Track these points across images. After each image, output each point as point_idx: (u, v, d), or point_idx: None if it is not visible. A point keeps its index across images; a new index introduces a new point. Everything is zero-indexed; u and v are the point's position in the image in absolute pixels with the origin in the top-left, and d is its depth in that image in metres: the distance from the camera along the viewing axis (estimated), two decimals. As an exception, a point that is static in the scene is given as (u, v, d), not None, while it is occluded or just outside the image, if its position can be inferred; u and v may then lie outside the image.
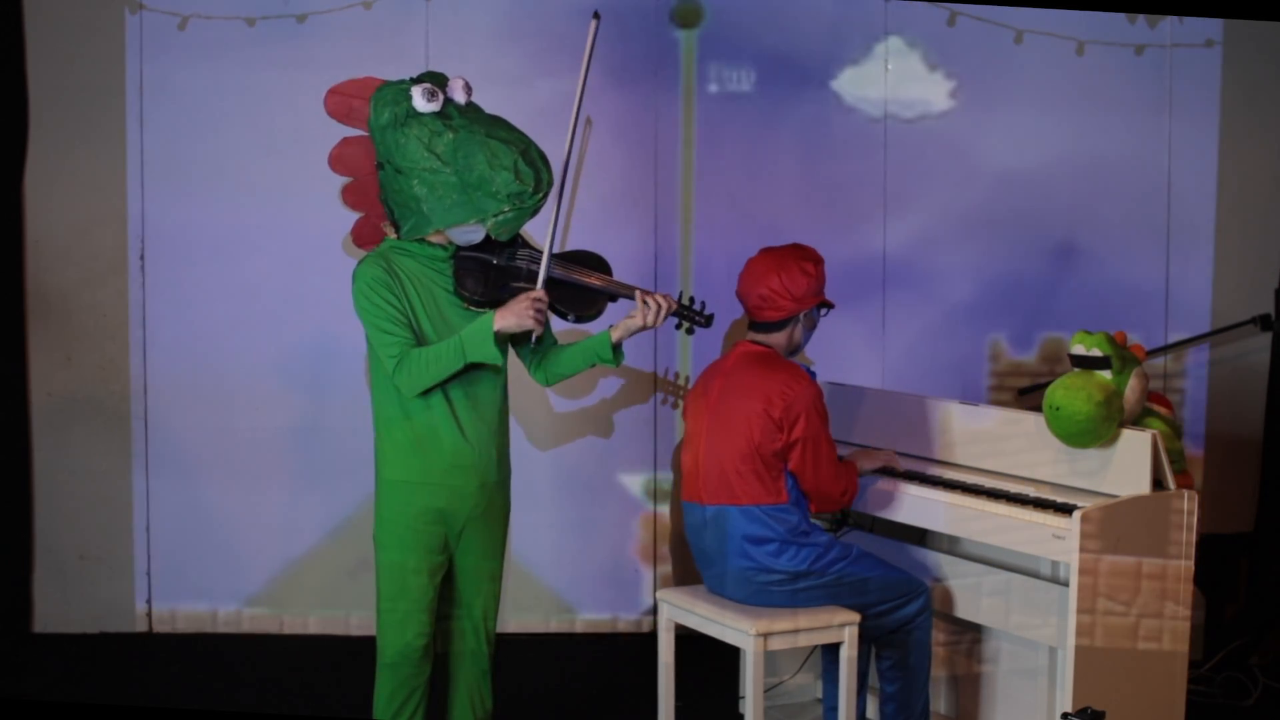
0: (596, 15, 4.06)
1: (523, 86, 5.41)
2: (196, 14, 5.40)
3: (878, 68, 5.54)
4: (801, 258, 4.21)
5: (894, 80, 5.54)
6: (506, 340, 3.91)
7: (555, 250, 4.00)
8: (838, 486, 4.16)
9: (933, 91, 5.54)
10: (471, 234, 3.91)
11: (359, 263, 3.93)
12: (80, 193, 5.47)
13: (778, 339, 4.25)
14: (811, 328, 4.31)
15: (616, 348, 4.08)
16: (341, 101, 3.94)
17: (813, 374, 4.21)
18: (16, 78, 5.41)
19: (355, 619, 5.55)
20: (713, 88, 5.51)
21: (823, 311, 4.32)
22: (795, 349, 4.29)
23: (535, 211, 3.88)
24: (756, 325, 4.27)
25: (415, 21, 5.44)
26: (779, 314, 4.21)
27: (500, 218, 3.84)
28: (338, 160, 3.99)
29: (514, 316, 3.84)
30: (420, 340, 3.87)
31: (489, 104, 3.96)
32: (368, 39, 5.42)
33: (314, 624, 5.57)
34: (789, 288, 4.18)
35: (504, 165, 3.78)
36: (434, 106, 3.84)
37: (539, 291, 3.90)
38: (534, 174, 3.81)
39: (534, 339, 3.95)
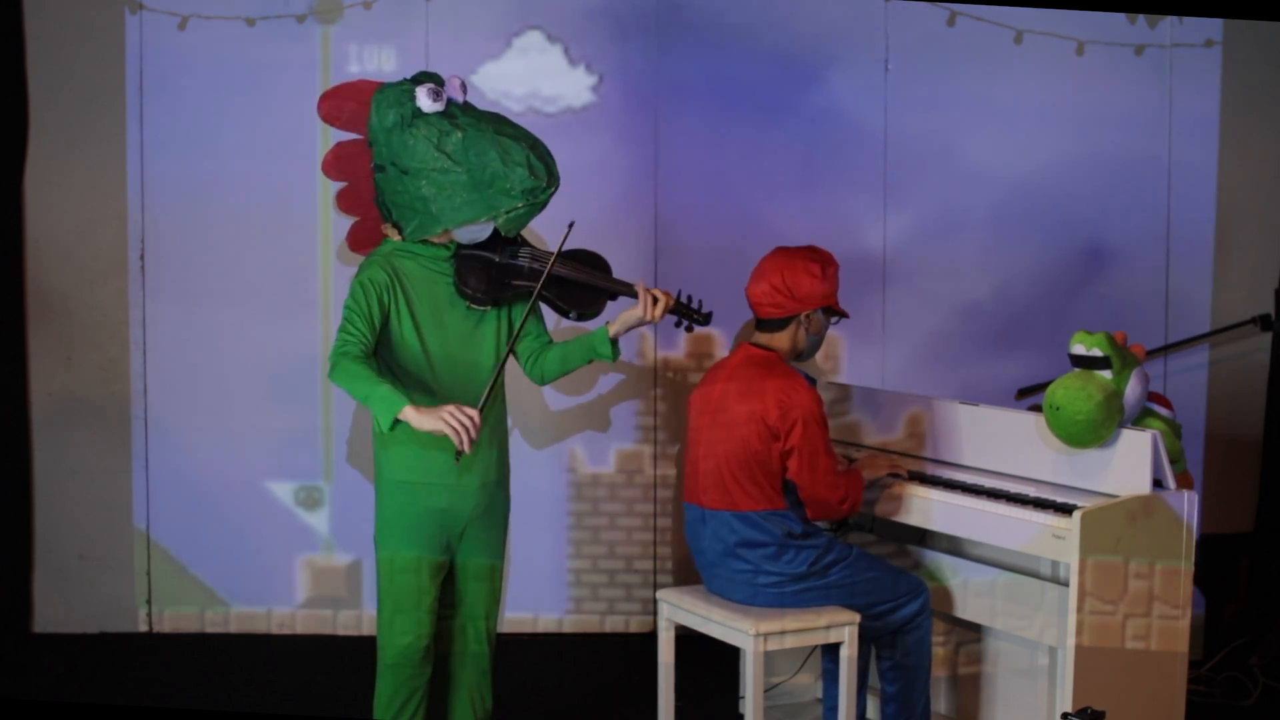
0: (570, 225, 3.94)
1: (523, 87, 5.43)
2: (196, 14, 5.40)
3: (878, 67, 5.53)
4: (809, 259, 4.17)
5: (894, 80, 5.54)
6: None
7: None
8: (835, 494, 4.13)
9: (931, 92, 5.54)
10: (479, 232, 3.92)
11: (363, 262, 3.93)
12: (80, 193, 5.46)
13: (781, 341, 4.21)
14: (819, 334, 4.24)
15: (614, 343, 4.08)
16: (335, 106, 3.94)
17: (813, 382, 4.18)
18: (16, 78, 5.41)
19: (355, 619, 5.55)
20: (712, 87, 5.51)
21: (833, 319, 4.28)
22: (800, 355, 4.25)
23: (545, 206, 3.90)
24: (760, 325, 4.25)
25: (415, 21, 5.44)
26: (779, 312, 4.18)
27: (513, 214, 3.86)
28: (332, 166, 3.99)
29: (429, 423, 3.61)
30: (405, 348, 3.87)
31: (489, 105, 3.97)
32: (368, 39, 5.42)
33: (314, 624, 5.57)
34: (791, 286, 4.14)
35: (517, 161, 3.81)
36: (439, 106, 3.85)
37: (474, 412, 3.64)
38: (545, 169, 3.85)
39: (456, 458, 3.75)
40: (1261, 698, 4.94)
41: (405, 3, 5.43)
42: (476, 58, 5.44)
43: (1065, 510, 3.88)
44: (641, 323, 4.05)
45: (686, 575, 5.33)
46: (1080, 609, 3.83)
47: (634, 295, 4.08)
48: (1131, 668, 3.92)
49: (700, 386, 4.32)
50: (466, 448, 3.62)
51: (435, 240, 3.94)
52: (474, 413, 3.64)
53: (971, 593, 4.31)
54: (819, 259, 4.18)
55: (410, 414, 3.62)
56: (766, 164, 5.55)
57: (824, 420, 4.13)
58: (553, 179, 3.87)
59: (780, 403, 4.07)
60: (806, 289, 4.15)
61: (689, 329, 4.19)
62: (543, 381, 4.18)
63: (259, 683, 5.10)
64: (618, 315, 4.09)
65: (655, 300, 4.03)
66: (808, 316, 4.19)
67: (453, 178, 3.83)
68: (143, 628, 5.56)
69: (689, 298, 4.18)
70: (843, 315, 4.26)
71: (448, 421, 3.60)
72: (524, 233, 4.05)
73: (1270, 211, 5.60)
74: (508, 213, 3.86)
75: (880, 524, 4.56)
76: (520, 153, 3.82)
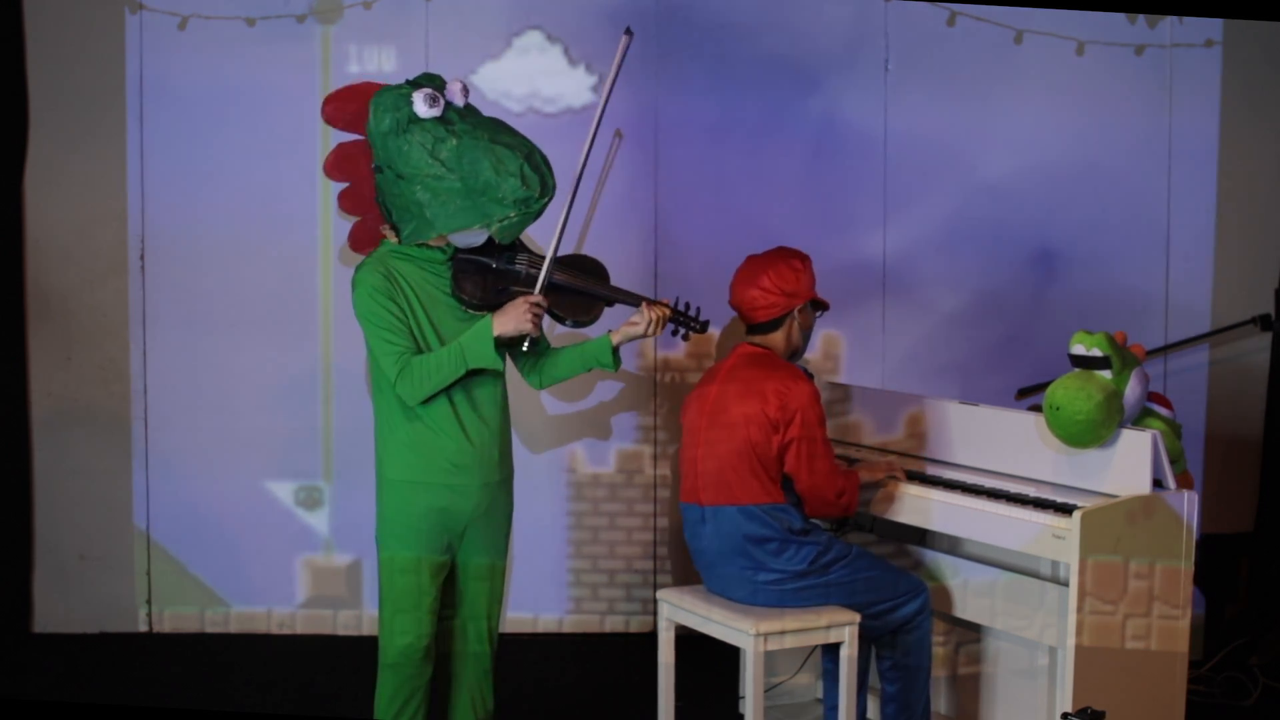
0: (629, 32, 4.05)
1: (523, 87, 5.43)
2: (196, 14, 5.40)
3: (878, 69, 5.53)
4: (788, 255, 4.27)
5: (894, 80, 5.54)
6: (505, 345, 3.91)
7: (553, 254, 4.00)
8: (833, 487, 4.15)
9: (931, 92, 5.54)
10: (474, 238, 3.91)
11: (358, 268, 3.93)
12: (80, 193, 5.46)
13: (775, 340, 4.26)
14: (808, 329, 4.31)
15: (615, 352, 4.09)
16: (339, 108, 3.94)
17: (810, 375, 4.21)
18: (16, 78, 5.41)
19: (355, 619, 5.54)
20: (712, 88, 5.51)
21: (818, 313, 4.34)
22: (795, 352, 4.29)
23: (539, 215, 3.88)
24: (753, 328, 4.28)
25: (415, 22, 5.44)
26: (773, 311, 4.23)
27: (505, 223, 3.85)
28: (334, 167, 3.98)
29: (513, 321, 3.86)
30: (419, 345, 3.87)
31: (489, 105, 3.96)
32: (368, 39, 5.42)
33: (314, 624, 5.57)
34: (779, 284, 4.21)
35: (510, 171, 3.79)
36: (435, 112, 3.83)
37: (537, 296, 3.90)
38: (539, 179, 3.82)
39: (527, 345, 3.95)
40: (1261, 698, 4.94)
41: (405, 3, 5.43)
42: (476, 58, 5.44)
43: (1065, 510, 3.88)
44: (642, 337, 4.09)
45: (686, 575, 5.33)
46: (1080, 609, 3.83)
47: (631, 303, 4.10)
48: (1131, 668, 3.92)
49: (696, 389, 4.33)
50: (536, 332, 3.90)
51: (431, 243, 3.94)
52: (541, 298, 3.90)
53: (971, 593, 4.32)
54: (795, 254, 4.28)
55: (499, 328, 3.86)
56: (766, 163, 5.55)
57: (822, 414, 4.16)
58: (546, 189, 3.84)
59: (780, 396, 4.10)
60: (793, 284, 4.22)
61: (685, 337, 4.21)
62: (540, 386, 4.19)
63: (259, 683, 5.10)
64: (618, 325, 4.09)
65: (654, 316, 4.06)
66: (799, 311, 4.25)
67: (446, 184, 3.82)
68: (143, 628, 5.56)
69: (686, 305, 4.20)
70: (825, 307, 4.33)
71: (526, 318, 3.86)
72: (523, 237, 4.04)
73: (1270, 212, 5.60)
74: (500, 221, 3.84)
75: (880, 524, 4.56)
76: (514, 162, 3.80)
